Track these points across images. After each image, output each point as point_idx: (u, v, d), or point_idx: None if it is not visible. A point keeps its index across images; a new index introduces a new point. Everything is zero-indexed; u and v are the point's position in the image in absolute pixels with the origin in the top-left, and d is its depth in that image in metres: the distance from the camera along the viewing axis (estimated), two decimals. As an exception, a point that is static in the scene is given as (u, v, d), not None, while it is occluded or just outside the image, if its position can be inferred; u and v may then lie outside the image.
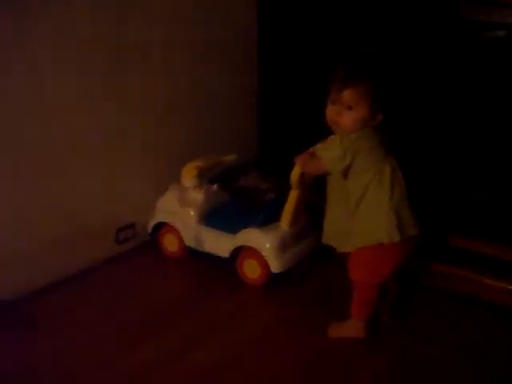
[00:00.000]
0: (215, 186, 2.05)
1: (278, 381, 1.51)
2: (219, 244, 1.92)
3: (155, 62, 2.00)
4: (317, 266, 1.97)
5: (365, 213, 1.55)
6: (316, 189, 1.77)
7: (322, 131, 1.60)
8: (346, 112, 1.51)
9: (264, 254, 1.83)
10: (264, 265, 1.84)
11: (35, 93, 1.68)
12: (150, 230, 2.05)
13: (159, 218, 2.03)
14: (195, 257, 2.00)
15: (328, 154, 1.56)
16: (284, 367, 1.55)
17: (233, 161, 2.06)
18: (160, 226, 2.04)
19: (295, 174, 1.74)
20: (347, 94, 1.50)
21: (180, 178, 2.02)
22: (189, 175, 1.99)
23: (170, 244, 2.04)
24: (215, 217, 1.98)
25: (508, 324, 1.73)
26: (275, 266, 1.83)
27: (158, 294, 1.85)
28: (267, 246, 1.83)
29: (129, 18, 1.87)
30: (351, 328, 1.65)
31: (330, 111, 1.55)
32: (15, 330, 1.64)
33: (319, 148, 1.60)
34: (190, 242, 1.98)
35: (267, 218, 1.89)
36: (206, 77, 2.19)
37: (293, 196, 1.82)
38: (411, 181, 1.59)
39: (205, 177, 2.04)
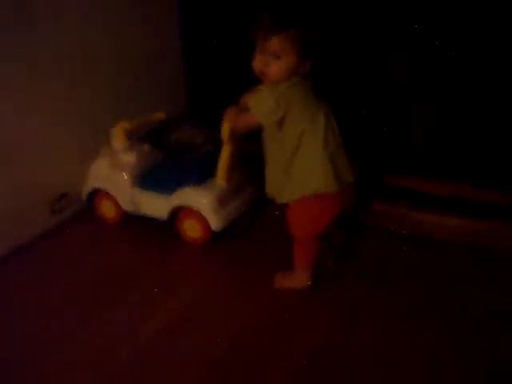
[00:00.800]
0: (146, 146, 1.98)
1: (229, 341, 1.50)
2: (156, 206, 1.88)
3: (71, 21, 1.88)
4: (257, 218, 1.95)
5: (300, 163, 1.52)
6: (249, 138, 1.72)
7: (251, 79, 1.55)
8: (273, 61, 1.45)
9: (203, 212, 1.80)
10: (204, 223, 1.81)
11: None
12: (84, 197, 1.99)
13: (93, 184, 1.96)
14: (134, 220, 1.95)
15: (260, 107, 1.50)
16: (233, 324, 1.55)
17: (161, 118, 1.98)
18: (95, 192, 1.98)
19: (225, 130, 1.70)
20: (274, 42, 1.43)
21: (108, 142, 1.95)
22: (117, 138, 1.91)
23: (107, 210, 1.98)
24: (149, 178, 1.92)
25: (448, 258, 1.78)
26: (215, 224, 1.80)
27: (100, 264, 1.81)
28: (205, 204, 1.79)
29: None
30: (296, 278, 1.66)
31: (258, 61, 1.48)
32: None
33: (250, 102, 1.54)
34: (126, 206, 1.93)
35: (202, 174, 1.85)
36: (129, 35, 2.09)
37: (225, 151, 1.78)
38: (348, 124, 1.57)
39: (135, 137, 1.97)
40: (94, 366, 1.42)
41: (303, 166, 1.52)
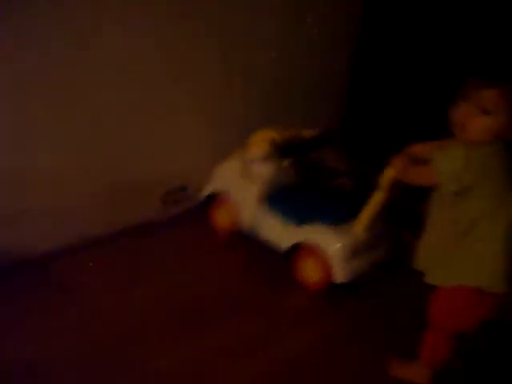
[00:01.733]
0: (286, 162, 1.74)
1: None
2: (279, 233, 1.64)
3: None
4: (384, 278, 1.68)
5: (470, 247, 1.24)
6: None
7: (421, 131, 1.29)
8: (480, 116, 1.18)
9: (330, 257, 1.55)
10: (326, 270, 1.56)
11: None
12: (203, 198, 1.79)
13: (216, 186, 1.77)
14: (243, 239, 1.74)
15: (445, 167, 1.23)
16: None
17: (314, 135, 1.75)
18: (214, 196, 1.78)
19: (387, 177, 1.43)
20: (488, 95, 1.17)
21: (246, 146, 1.73)
22: (258, 146, 1.69)
23: (221, 219, 1.79)
24: (280, 199, 1.69)
25: None
26: (340, 275, 1.55)
27: (195, 283, 1.60)
28: (335, 249, 1.54)
29: None
30: (417, 372, 1.38)
31: (461, 112, 1.21)
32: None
33: (436, 156, 1.27)
34: (245, 221, 1.71)
35: (341, 215, 1.60)
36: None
37: (377, 198, 1.51)
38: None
39: (276, 149, 1.74)
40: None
41: (473, 250, 1.24)
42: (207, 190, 1.78)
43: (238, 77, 1.83)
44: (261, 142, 1.69)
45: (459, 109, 1.21)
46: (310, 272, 1.61)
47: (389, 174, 1.42)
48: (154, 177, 1.74)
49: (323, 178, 1.85)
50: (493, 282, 1.22)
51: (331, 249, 1.54)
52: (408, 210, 1.49)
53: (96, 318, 1.42)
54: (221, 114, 1.85)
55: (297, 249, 1.62)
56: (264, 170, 1.70)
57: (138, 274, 1.59)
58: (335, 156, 1.94)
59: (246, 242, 1.73)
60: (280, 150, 1.74)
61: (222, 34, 1.73)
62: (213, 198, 1.79)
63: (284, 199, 1.69)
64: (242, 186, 1.71)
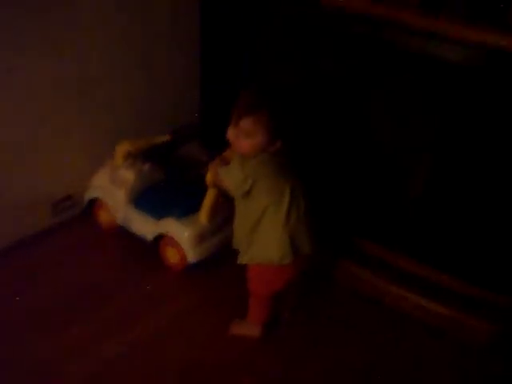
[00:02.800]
0: (147, 166, 2.09)
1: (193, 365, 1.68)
2: (144, 227, 2.01)
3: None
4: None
5: (261, 234, 1.61)
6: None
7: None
8: (244, 138, 1.53)
9: (182, 244, 1.92)
10: (181, 254, 1.94)
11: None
12: (84, 204, 2.14)
13: (92, 193, 2.11)
14: (128, 232, 2.09)
15: (229, 179, 1.60)
16: (182, 358, 1.71)
17: (167, 140, 2.09)
18: (94, 200, 2.13)
19: (209, 178, 1.78)
20: (244, 123, 1.51)
21: (112, 157, 2.07)
22: (117, 157, 2.04)
23: (103, 218, 2.13)
24: (143, 199, 2.05)
25: (404, 329, 1.84)
26: (192, 256, 1.93)
27: (82, 273, 1.97)
28: (185, 237, 1.91)
29: None
30: (249, 328, 1.78)
31: (231, 134, 1.56)
32: None
33: (222, 170, 1.63)
34: (120, 220, 2.07)
35: (189, 207, 1.96)
36: (150, 49, 2.19)
37: (210, 194, 1.87)
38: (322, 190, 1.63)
39: (140, 154, 2.08)
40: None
41: (263, 237, 1.61)
42: (86, 198, 2.13)
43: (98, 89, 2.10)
44: (120, 153, 2.03)
45: (229, 131, 1.56)
46: (171, 256, 1.98)
47: (208, 178, 1.77)
48: (41, 189, 2.06)
49: (188, 170, 2.21)
50: (280, 258, 1.60)
51: (181, 237, 1.92)
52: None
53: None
54: (96, 126, 2.13)
55: (160, 238, 1.98)
56: (127, 176, 2.05)
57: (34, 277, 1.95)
58: (197, 149, 2.29)
59: (125, 235, 2.09)
60: (142, 156, 2.09)
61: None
62: (94, 202, 2.14)
63: (146, 199, 2.04)
64: (111, 192, 2.06)
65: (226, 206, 1.94)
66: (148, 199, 2.04)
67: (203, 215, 1.92)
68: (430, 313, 1.81)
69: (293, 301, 1.86)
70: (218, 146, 2.00)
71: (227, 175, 1.60)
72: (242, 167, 1.55)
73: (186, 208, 1.96)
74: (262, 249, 1.62)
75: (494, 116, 1.61)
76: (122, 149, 2.02)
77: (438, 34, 1.55)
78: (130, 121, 2.21)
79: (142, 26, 2.14)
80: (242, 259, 1.68)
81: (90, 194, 2.12)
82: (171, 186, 2.12)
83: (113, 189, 2.06)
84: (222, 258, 1.99)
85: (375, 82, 1.78)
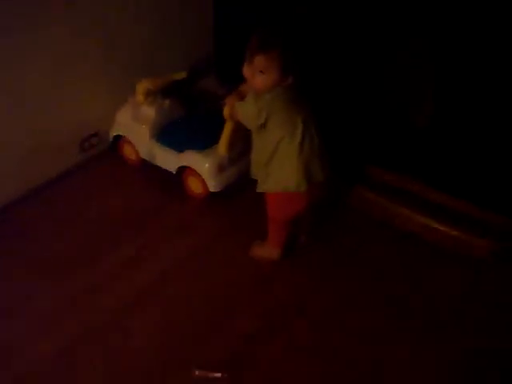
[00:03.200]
0: (167, 102, 2.19)
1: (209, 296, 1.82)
2: (168, 160, 2.14)
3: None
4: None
5: (277, 164, 1.72)
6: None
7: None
8: (258, 75, 1.62)
9: (203, 175, 2.05)
10: (203, 184, 2.07)
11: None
12: (110, 140, 2.27)
13: (116, 131, 2.24)
14: (153, 165, 2.22)
15: (244, 113, 1.71)
16: (209, 278, 1.87)
17: (183, 77, 2.18)
18: (119, 137, 2.25)
19: (226, 111, 1.88)
20: (257, 60, 1.60)
21: (134, 94, 2.17)
22: (140, 94, 2.13)
23: (129, 153, 2.26)
24: (165, 134, 2.16)
25: (416, 249, 1.98)
26: (213, 186, 2.07)
27: (113, 205, 2.12)
28: (205, 168, 2.04)
29: None
30: (268, 250, 1.92)
31: (246, 71, 1.65)
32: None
33: (238, 104, 1.73)
34: (144, 154, 2.20)
35: (208, 140, 2.07)
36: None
37: (227, 127, 1.97)
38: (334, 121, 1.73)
39: (159, 91, 2.18)
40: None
41: (279, 167, 1.73)
42: (111, 135, 2.25)
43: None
44: (141, 92, 2.13)
45: (244, 68, 1.65)
46: (194, 186, 2.12)
47: (225, 112, 1.87)
48: (70, 127, 2.19)
49: (207, 104, 2.31)
50: (296, 186, 1.72)
51: (202, 168, 2.05)
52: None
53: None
54: (115, 63, 2.23)
55: (183, 170, 2.11)
56: (149, 113, 2.16)
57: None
58: (214, 83, 2.38)
59: (150, 169, 2.23)
60: (161, 93, 2.19)
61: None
62: (119, 138, 2.26)
63: (168, 133, 2.16)
64: (134, 128, 2.18)
65: (243, 137, 2.05)
66: (170, 134, 2.16)
67: (222, 147, 2.03)
68: (437, 232, 1.93)
69: (309, 226, 1.99)
70: (233, 80, 2.11)
71: (243, 109, 1.71)
72: (256, 102, 1.65)
73: (205, 140, 2.07)
74: (279, 178, 1.74)
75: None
76: (142, 87, 2.11)
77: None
78: (149, 59, 2.30)
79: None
80: (261, 188, 1.80)
81: (114, 131, 2.24)
82: (191, 120, 2.23)
83: (136, 125, 2.17)
84: (241, 186, 2.12)
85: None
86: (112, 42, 2.16)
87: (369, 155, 2.07)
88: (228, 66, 2.39)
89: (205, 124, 2.17)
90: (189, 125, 2.20)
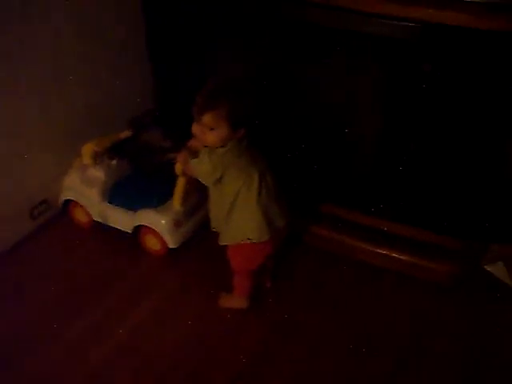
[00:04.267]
0: (114, 162, 2.18)
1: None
2: (122, 221, 2.12)
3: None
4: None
5: (237, 214, 1.73)
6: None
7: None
8: (208, 132, 1.64)
9: (161, 232, 2.04)
10: (162, 240, 2.06)
11: None
12: (60, 205, 2.23)
13: (66, 195, 2.20)
14: (105, 226, 2.19)
15: (199, 170, 1.71)
16: (177, 336, 1.85)
17: (128, 136, 2.17)
18: (69, 201, 2.21)
19: (178, 167, 1.89)
20: (206, 118, 1.61)
21: (80, 157, 2.15)
22: (86, 156, 2.11)
23: (80, 217, 2.22)
24: (117, 194, 2.14)
25: (374, 281, 2.03)
26: (172, 242, 2.05)
27: (68, 273, 2.06)
28: (162, 225, 2.03)
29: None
30: (235, 300, 1.92)
31: (195, 129, 1.67)
32: None
33: (192, 162, 1.74)
34: (96, 217, 2.17)
35: (162, 197, 2.07)
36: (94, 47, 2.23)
37: (180, 182, 1.98)
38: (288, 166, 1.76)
39: (105, 151, 2.16)
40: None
41: (239, 218, 1.74)
42: (60, 200, 2.21)
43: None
44: (87, 154, 2.11)
45: (193, 126, 1.66)
46: (151, 244, 2.10)
47: (177, 169, 1.88)
48: (17, 195, 2.12)
49: (155, 158, 2.30)
50: (258, 236, 1.73)
51: (158, 226, 2.03)
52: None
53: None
54: (61, 128, 2.20)
55: (139, 228, 2.09)
56: (97, 175, 2.14)
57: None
58: (159, 136, 2.37)
59: (103, 229, 2.19)
60: (107, 152, 2.17)
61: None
62: (69, 203, 2.22)
63: (119, 193, 2.14)
64: (84, 192, 2.15)
65: (196, 189, 2.06)
66: (121, 194, 2.14)
67: (176, 202, 2.04)
68: (394, 260, 1.99)
69: (272, 268, 2.00)
70: (178, 131, 2.11)
71: (197, 167, 1.72)
72: (210, 158, 1.66)
73: (158, 197, 2.07)
74: (240, 228, 1.74)
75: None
76: (88, 149, 2.09)
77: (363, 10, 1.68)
78: (91, 119, 2.28)
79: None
80: (223, 241, 1.81)
81: (64, 195, 2.20)
82: (141, 176, 2.21)
83: (85, 188, 2.14)
84: (200, 237, 2.13)
85: (316, 60, 1.89)
86: (48, 105, 2.12)
87: (320, 191, 2.11)
88: (172, 117, 2.40)
89: (155, 180, 2.16)
90: (139, 182, 2.18)
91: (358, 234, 2.05)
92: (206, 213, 2.07)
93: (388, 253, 2.00)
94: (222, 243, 1.82)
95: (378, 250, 2.01)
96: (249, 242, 1.74)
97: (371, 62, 1.80)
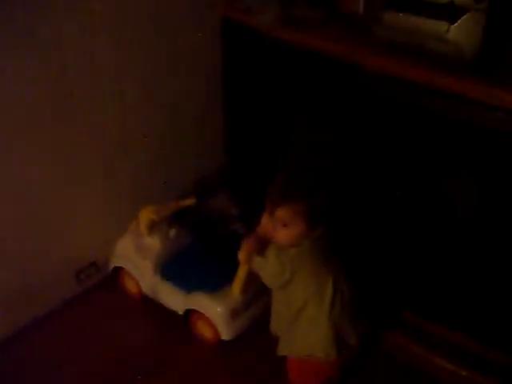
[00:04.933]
0: (173, 231, 1.96)
1: None
2: (173, 301, 1.88)
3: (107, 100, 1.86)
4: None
5: (303, 326, 1.48)
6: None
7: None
8: (280, 228, 1.39)
9: (214, 321, 1.79)
10: (214, 330, 1.81)
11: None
12: (110, 270, 2.02)
13: (117, 262, 1.99)
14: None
15: (264, 271, 1.47)
16: None
17: (191, 203, 1.96)
18: (119, 267, 2.01)
19: (242, 256, 1.63)
20: (281, 213, 1.37)
21: (136, 222, 1.94)
22: (143, 225, 1.91)
23: (130, 286, 2.02)
24: (171, 270, 1.91)
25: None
26: (225, 334, 1.80)
27: (112, 346, 1.86)
28: (217, 313, 1.78)
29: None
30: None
31: (266, 223, 1.43)
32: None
33: (257, 261, 1.49)
34: (146, 290, 1.95)
35: (220, 281, 1.83)
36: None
37: (242, 270, 1.73)
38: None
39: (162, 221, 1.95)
40: None
41: (306, 329, 1.49)
42: (111, 265, 2.01)
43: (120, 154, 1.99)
44: (144, 221, 1.90)
45: (264, 221, 1.42)
46: (203, 330, 1.85)
47: (241, 256, 1.62)
48: (65, 256, 1.95)
49: (218, 227, 2.07)
50: (325, 354, 1.46)
51: (213, 314, 1.78)
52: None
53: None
54: (116, 187, 2.02)
55: (191, 312, 1.85)
56: (152, 245, 1.92)
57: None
58: (225, 202, 2.15)
59: (154, 304, 1.96)
60: (167, 219, 1.96)
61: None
62: (119, 269, 2.01)
63: (174, 269, 1.91)
64: (137, 262, 1.93)
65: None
66: (176, 269, 1.91)
67: (236, 288, 1.78)
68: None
69: (336, 381, 1.72)
70: (247, 197, 1.87)
71: (263, 268, 1.47)
72: (278, 257, 1.42)
73: (217, 280, 1.83)
74: (306, 342, 1.49)
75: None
76: (146, 217, 1.88)
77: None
78: (154, 180, 2.10)
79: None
80: (284, 351, 1.55)
81: (114, 262, 2.00)
82: (200, 250, 1.98)
83: (138, 259, 1.93)
84: (259, 328, 1.83)
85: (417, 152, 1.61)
86: (112, 164, 1.95)
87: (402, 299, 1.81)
88: (242, 180, 2.16)
89: (216, 256, 1.92)
90: (197, 257, 1.95)
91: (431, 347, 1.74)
92: (264, 305, 1.83)
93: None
94: (280, 354, 1.56)
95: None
96: (313, 358, 1.48)
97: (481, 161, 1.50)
